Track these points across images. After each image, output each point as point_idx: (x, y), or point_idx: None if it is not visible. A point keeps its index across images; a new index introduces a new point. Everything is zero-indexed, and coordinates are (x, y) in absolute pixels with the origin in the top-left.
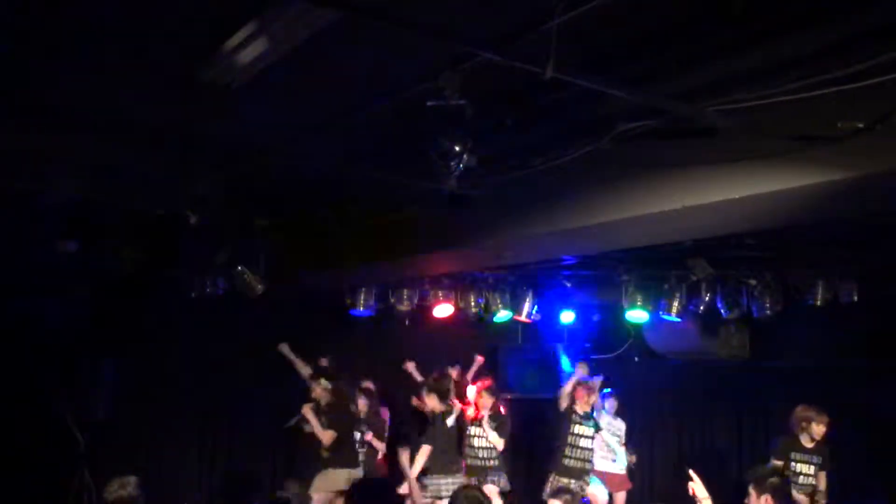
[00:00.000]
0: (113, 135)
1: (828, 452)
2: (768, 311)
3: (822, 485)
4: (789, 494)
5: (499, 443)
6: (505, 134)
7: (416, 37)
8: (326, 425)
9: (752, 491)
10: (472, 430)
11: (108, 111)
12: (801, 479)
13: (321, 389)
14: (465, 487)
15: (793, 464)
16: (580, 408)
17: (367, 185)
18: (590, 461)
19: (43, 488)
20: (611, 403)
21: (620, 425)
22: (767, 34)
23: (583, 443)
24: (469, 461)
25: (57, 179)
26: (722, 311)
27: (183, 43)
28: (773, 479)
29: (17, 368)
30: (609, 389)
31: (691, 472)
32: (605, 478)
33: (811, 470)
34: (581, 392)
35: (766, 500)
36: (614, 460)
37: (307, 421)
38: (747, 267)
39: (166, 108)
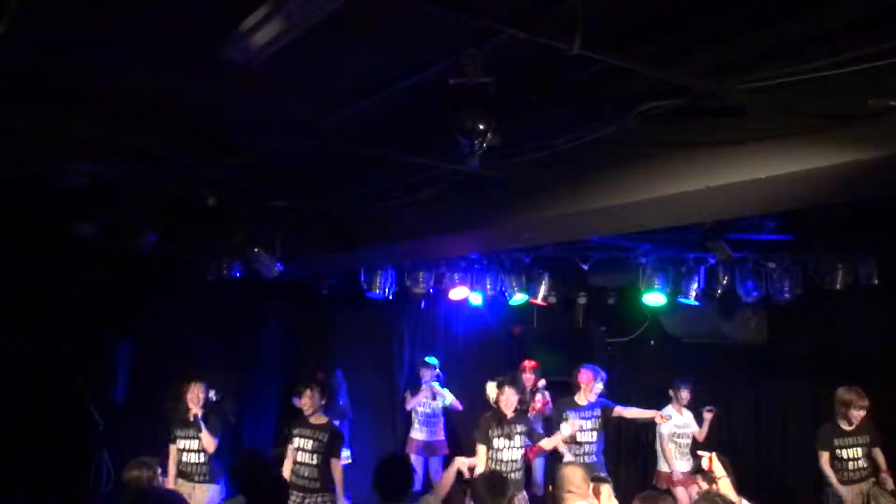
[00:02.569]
0: (130, 116)
1: (873, 427)
2: (787, 295)
3: (882, 461)
4: None
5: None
6: (526, 113)
7: (438, 12)
8: None
9: None
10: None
11: (125, 92)
12: (850, 466)
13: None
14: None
15: (838, 451)
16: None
17: (386, 165)
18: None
19: (62, 469)
20: (683, 395)
21: (688, 420)
22: (797, 9)
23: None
24: None
25: (74, 161)
26: (740, 294)
27: (201, 22)
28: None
29: (37, 350)
30: (681, 381)
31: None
32: (676, 477)
33: (860, 453)
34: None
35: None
36: (687, 459)
37: None
38: (767, 250)
39: (184, 88)
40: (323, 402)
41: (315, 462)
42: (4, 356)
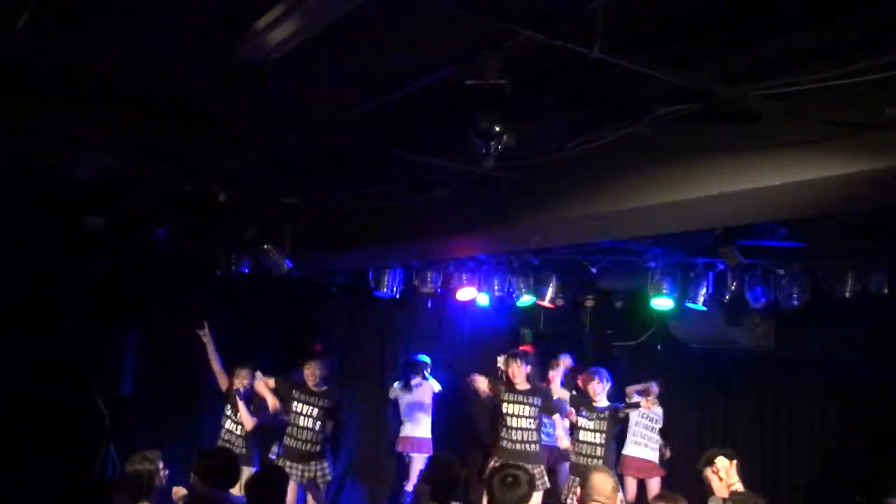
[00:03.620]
0: (142, 111)
1: None
2: (796, 302)
3: None
4: None
5: None
6: (542, 115)
7: (457, 13)
8: None
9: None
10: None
11: (137, 87)
12: None
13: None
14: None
15: None
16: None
17: (397, 164)
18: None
19: (68, 462)
20: (651, 390)
21: (660, 413)
22: (813, 18)
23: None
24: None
25: (85, 155)
26: (749, 300)
27: (217, 18)
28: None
29: (44, 343)
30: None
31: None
32: (637, 463)
33: None
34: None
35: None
36: (646, 446)
37: None
38: (776, 256)
39: (197, 84)
40: (325, 373)
41: (316, 427)
42: (12, 349)
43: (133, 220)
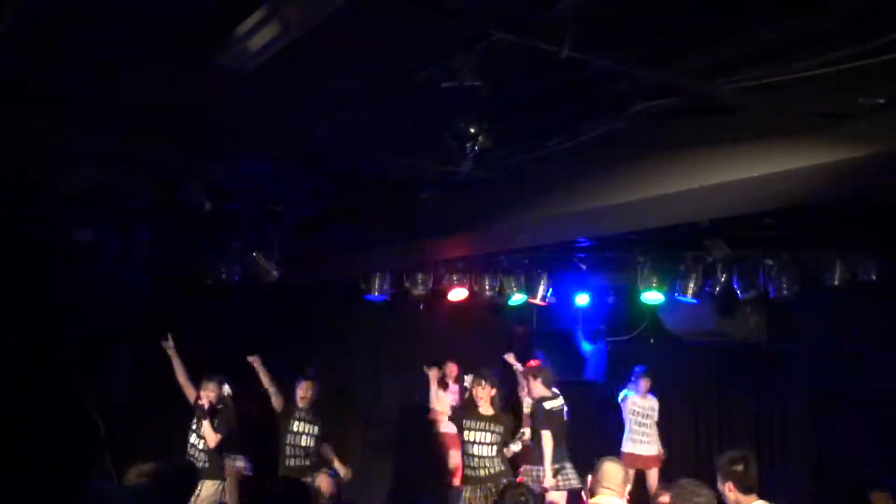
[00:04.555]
0: (127, 121)
1: None
2: (785, 293)
3: None
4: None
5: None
6: (520, 115)
7: (430, 17)
8: None
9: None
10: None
11: (123, 97)
12: None
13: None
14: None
15: None
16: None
17: (382, 169)
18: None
19: (64, 473)
20: (643, 383)
21: (652, 404)
22: (788, 9)
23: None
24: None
25: (72, 167)
26: (738, 292)
27: (197, 27)
28: (737, 467)
29: (38, 354)
30: (640, 369)
31: None
32: (635, 458)
33: None
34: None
35: (729, 486)
36: (641, 441)
37: None
38: (764, 247)
39: (181, 93)
40: (316, 397)
41: (314, 445)
42: (6, 361)
43: (120, 232)
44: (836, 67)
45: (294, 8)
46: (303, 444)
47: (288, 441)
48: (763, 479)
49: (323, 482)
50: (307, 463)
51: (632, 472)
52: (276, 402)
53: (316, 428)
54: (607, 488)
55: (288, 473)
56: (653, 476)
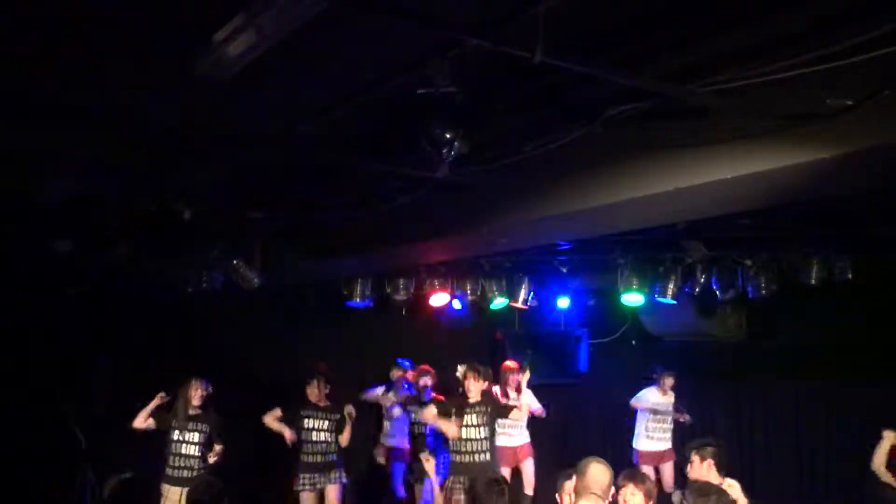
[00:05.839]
0: (105, 131)
1: None
2: (763, 292)
3: None
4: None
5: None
6: (496, 120)
7: (404, 25)
8: None
9: (694, 457)
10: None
11: (100, 107)
12: None
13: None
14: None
15: None
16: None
17: (360, 174)
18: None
19: (47, 487)
20: (667, 381)
21: (672, 400)
22: (756, 12)
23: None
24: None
25: (49, 177)
26: (717, 292)
27: (174, 36)
28: (713, 447)
29: (18, 368)
30: (660, 368)
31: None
32: (650, 455)
33: None
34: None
35: (709, 464)
36: (655, 437)
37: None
38: (742, 247)
39: (158, 102)
40: (327, 391)
41: (331, 439)
42: None
43: (100, 242)
44: (804, 70)
45: (268, 16)
46: (313, 439)
47: (304, 438)
48: (746, 474)
49: None
50: (325, 459)
51: (649, 470)
52: (288, 435)
53: (326, 423)
54: (594, 493)
55: (307, 470)
56: (668, 470)
